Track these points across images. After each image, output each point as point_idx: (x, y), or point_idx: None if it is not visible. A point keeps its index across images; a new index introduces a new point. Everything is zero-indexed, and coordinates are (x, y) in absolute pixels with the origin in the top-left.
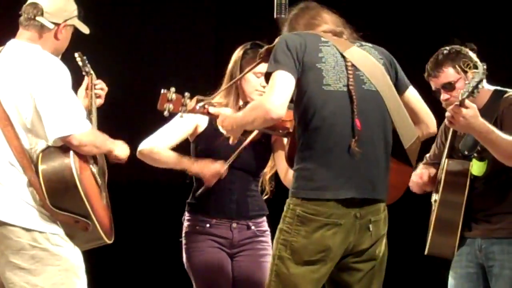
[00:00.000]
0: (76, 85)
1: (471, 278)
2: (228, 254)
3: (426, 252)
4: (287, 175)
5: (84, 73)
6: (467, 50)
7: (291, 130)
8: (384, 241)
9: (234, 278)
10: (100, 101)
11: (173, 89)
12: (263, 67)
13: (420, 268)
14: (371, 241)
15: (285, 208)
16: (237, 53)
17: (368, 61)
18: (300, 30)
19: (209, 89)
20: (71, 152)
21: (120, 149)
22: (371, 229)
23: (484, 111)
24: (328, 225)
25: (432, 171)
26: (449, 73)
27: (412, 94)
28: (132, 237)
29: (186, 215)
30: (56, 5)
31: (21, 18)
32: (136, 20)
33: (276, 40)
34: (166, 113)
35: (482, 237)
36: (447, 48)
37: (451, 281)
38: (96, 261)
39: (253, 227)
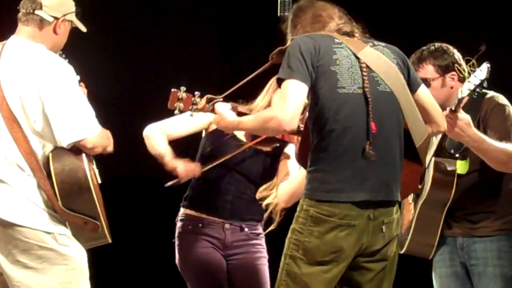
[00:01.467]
0: None
1: (457, 277)
2: (222, 255)
3: (403, 251)
4: (280, 188)
5: None
6: (454, 51)
7: (301, 128)
8: (396, 242)
9: (230, 280)
10: None
11: (183, 88)
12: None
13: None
14: (383, 242)
15: (298, 209)
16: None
17: (382, 61)
18: (305, 28)
19: (213, 88)
20: (84, 154)
21: (111, 141)
22: (384, 230)
23: (465, 111)
24: (341, 226)
25: None
26: (428, 70)
27: (424, 92)
28: (129, 236)
29: (180, 215)
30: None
31: (20, 14)
32: (140, 21)
33: (289, 43)
34: (176, 112)
35: (463, 236)
36: (435, 45)
37: (437, 280)
38: (94, 260)
39: (246, 229)
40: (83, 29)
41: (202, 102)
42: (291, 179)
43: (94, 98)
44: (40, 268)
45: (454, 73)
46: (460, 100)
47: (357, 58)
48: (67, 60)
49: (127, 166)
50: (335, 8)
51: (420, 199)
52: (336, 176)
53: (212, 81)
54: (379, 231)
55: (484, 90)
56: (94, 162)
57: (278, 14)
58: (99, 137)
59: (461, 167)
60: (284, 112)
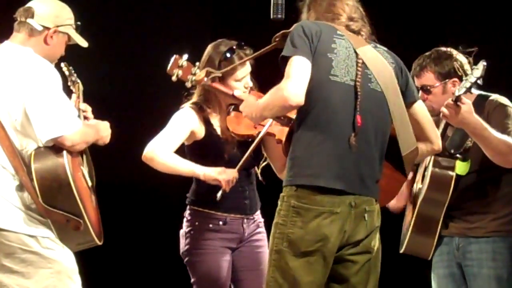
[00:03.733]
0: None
1: (454, 278)
2: (233, 249)
3: (402, 251)
4: (283, 171)
5: (70, 82)
6: (457, 56)
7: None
8: (378, 235)
9: (237, 269)
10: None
11: (185, 56)
12: (242, 73)
13: (399, 267)
14: (366, 232)
15: (279, 202)
16: (214, 53)
17: (379, 62)
18: (317, 14)
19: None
20: (65, 152)
21: (103, 131)
22: (366, 218)
23: None
24: (324, 214)
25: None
26: (429, 77)
27: (420, 108)
28: (125, 239)
29: (193, 212)
30: (49, 10)
31: (15, 23)
32: (132, 20)
33: (294, 26)
34: (174, 78)
35: (459, 235)
36: (438, 50)
37: (435, 281)
38: (90, 263)
39: (256, 220)
40: (84, 44)
41: (201, 74)
42: None
43: (88, 96)
44: (24, 272)
45: (455, 79)
46: (458, 97)
47: (356, 52)
48: (73, 71)
49: (122, 168)
50: (352, 1)
51: (418, 198)
52: (317, 161)
53: None
54: (361, 219)
55: (487, 93)
56: (84, 164)
57: (271, 17)
58: (79, 134)
59: (461, 168)
60: (289, 87)
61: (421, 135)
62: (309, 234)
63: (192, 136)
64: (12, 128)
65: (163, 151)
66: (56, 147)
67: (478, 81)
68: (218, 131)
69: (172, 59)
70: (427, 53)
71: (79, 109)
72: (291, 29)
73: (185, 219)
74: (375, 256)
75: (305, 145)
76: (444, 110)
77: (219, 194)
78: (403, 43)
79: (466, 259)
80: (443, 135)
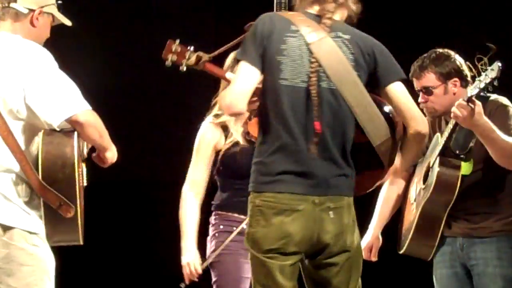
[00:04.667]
0: None
1: (457, 278)
2: None
3: (402, 251)
4: None
5: None
6: (455, 57)
7: None
8: (356, 233)
9: None
10: None
11: (178, 41)
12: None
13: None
14: (335, 229)
15: (248, 204)
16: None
17: (334, 55)
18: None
19: (210, 88)
20: (75, 133)
21: (113, 153)
22: (332, 215)
23: None
24: (286, 211)
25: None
26: (430, 78)
27: (396, 89)
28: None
29: (218, 216)
30: None
31: None
32: (132, 20)
33: (257, 19)
34: (168, 63)
35: (463, 236)
36: (436, 52)
37: (438, 282)
38: (90, 263)
39: None
40: (68, 23)
41: (193, 59)
42: None
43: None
44: (7, 268)
45: (456, 79)
46: (470, 98)
47: (309, 50)
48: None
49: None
50: None
51: (422, 198)
52: (273, 168)
53: (208, 85)
54: (326, 217)
55: (487, 94)
56: (83, 164)
57: None
58: (91, 114)
59: (465, 168)
60: (230, 95)
61: (402, 117)
62: (272, 232)
63: (215, 148)
64: (11, 117)
65: (190, 200)
66: (66, 130)
67: (494, 83)
68: (238, 137)
69: (166, 45)
70: (425, 55)
71: None
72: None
73: (210, 224)
74: (354, 254)
75: (263, 151)
76: (455, 110)
77: (182, 286)
78: (402, 42)
79: (471, 258)
80: (451, 136)
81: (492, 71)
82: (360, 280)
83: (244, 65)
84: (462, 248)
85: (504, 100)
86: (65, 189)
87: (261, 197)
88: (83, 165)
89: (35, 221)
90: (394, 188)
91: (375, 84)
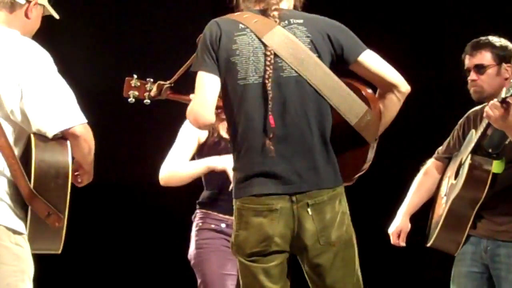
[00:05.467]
0: None
1: (475, 277)
2: None
3: (429, 244)
4: None
5: None
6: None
7: None
8: (345, 225)
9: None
10: None
11: (135, 76)
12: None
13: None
14: (315, 226)
15: None
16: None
17: (289, 43)
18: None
19: None
20: (68, 143)
21: (91, 174)
22: (310, 212)
23: None
24: (264, 212)
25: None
26: (485, 56)
27: (367, 59)
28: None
29: (199, 214)
30: None
31: None
32: (132, 20)
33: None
34: (131, 100)
35: (487, 238)
36: (494, 36)
37: (454, 279)
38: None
39: None
40: (56, 15)
41: (154, 90)
42: None
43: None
44: None
45: (510, 64)
46: (504, 99)
47: (263, 43)
48: None
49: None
50: None
51: (452, 194)
52: (245, 173)
53: None
54: (305, 214)
55: None
56: None
57: None
58: (86, 129)
59: (497, 167)
60: (195, 109)
61: (382, 84)
62: (252, 235)
63: (198, 141)
64: (3, 117)
65: (173, 167)
66: (59, 138)
67: None
68: (222, 133)
69: (124, 82)
70: (482, 37)
71: None
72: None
73: (193, 222)
74: (344, 247)
75: (235, 157)
76: (488, 111)
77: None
78: (402, 39)
79: (495, 262)
80: (484, 134)
81: None
82: (358, 272)
83: (201, 75)
84: (486, 251)
85: None
86: (56, 199)
87: (240, 201)
88: None
89: (21, 221)
90: (428, 177)
91: (344, 62)
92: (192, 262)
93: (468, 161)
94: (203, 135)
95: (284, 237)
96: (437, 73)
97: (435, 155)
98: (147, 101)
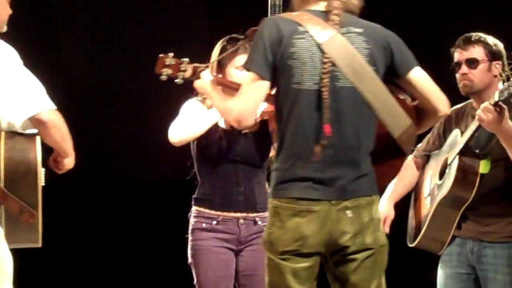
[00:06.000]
0: None
1: (461, 279)
2: (234, 250)
3: (414, 244)
4: None
5: None
6: (500, 48)
7: None
8: (379, 230)
9: (239, 272)
10: None
11: (171, 54)
12: (243, 60)
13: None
14: (353, 228)
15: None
16: (216, 49)
17: (348, 53)
18: (296, 5)
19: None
20: (38, 138)
21: (71, 159)
22: (349, 215)
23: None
24: (302, 212)
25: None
26: (478, 51)
27: (417, 75)
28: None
29: (193, 212)
30: None
31: None
32: (129, 21)
33: (260, 24)
34: (163, 77)
35: (473, 239)
36: (487, 36)
37: (440, 280)
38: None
39: (259, 222)
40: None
41: (189, 71)
42: None
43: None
44: None
45: (500, 62)
46: (496, 102)
47: (321, 49)
48: None
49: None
50: None
51: (438, 195)
52: (291, 176)
53: None
54: (344, 216)
55: None
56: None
57: (269, 17)
58: (55, 114)
59: (483, 167)
60: (237, 110)
61: (425, 101)
62: (287, 233)
63: None
64: None
65: (181, 124)
66: (28, 134)
67: None
68: (221, 123)
69: (158, 59)
70: (472, 33)
71: None
72: (259, 26)
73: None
74: (377, 252)
75: (281, 158)
76: (481, 114)
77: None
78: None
79: (481, 263)
80: (473, 135)
81: None
82: (383, 279)
83: (253, 77)
84: (472, 252)
85: None
86: (27, 196)
87: (278, 200)
88: (42, 169)
89: None
90: (408, 170)
91: (393, 75)
92: (189, 262)
93: (456, 163)
94: None
95: (318, 239)
96: (436, 74)
97: (415, 152)
98: (179, 80)
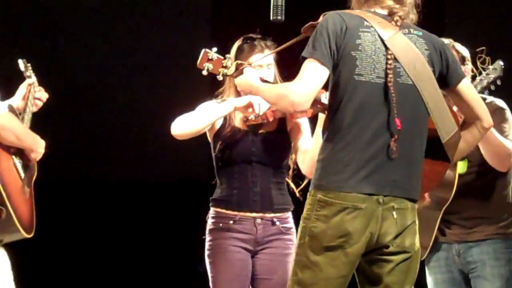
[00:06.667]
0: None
1: (454, 282)
2: (251, 251)
3: None
4: (305, 163)
5: (26, 78)
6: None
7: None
8: (417, 235)
9: (255, 275)
10: (34, 109)
11: (214, 49)
12: (260, 59)
13: None
14: (396, 230)
15: (307, 196)
16: (233, 50)
17: (410, 51)
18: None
19: (205, 94)
20: None
21: (36, 153)
22: (395, 216)
23: None
24: (348, 209)
25: None
26: None
27: (465, 87)
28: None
29: (211, 213)
30: None
31: None
32: (131, 24)
33: (321, 18)
34: (204, 72)
35: (458, 242)
36: (446, 39)
37: (433, 286)
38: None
39: (278, 223)
40: None
41: (232, 68)
42: (308, 149)
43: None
44: None
45: (465, 68)
46: None
47: (384, 45)
48: (30, 67)
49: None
50: None
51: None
52: (342, 166)
53: (203, 83)
54: (389, 216)
55: (483, 96)
56: (23, 159)
57: (271, 18)
58: (3, 117)
59: (460, 167)
60: (297, 93)
61: (469, 113)
62: (331, 228)
63: (212, 128)
64: None
65: (186, 116)
66: None
67: (497, 82)
68: (235, 122)
69: (201, 53)
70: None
71: (22, 110)
72: (318, 20)
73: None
74: (413, 256)
75: (331, 148)
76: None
77: (251, 116)
78: None
79: (469, 263)
80: None
81: (494, 70)
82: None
83: (312, 64)
84: (459, 254)
85: (501, 103)
86: None
87: (324, 193)
88: (15, 158)
89: None
90: None
91: (444, 83)
92: (206, 262)
93: None
94: (218, 121)
95: (361, 236)
96: None
97: None
98: (220, 76)
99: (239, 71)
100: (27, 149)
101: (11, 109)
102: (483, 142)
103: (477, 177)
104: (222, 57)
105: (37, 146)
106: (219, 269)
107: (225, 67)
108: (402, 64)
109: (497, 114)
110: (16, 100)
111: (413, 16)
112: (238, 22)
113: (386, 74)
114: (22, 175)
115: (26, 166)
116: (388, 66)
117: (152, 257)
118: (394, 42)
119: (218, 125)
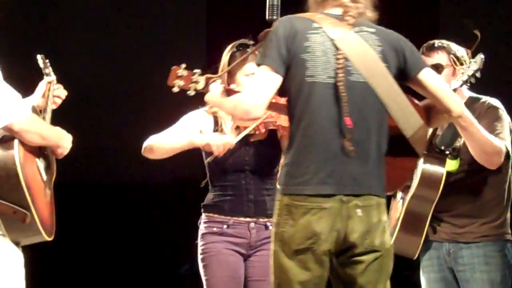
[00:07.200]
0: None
1: (446, 282)
2: (243, 255)
3: None
4: None
5: (45, 75)
6: (463, 53)
7: None
8: (386, 233)
9: (248, 278)
10: (54, 106)
11: (183, 65)
12: (253, 67)
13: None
14: (362, 227)
15: (275, 203)
16: (225, 56)
17: (361, 49)
18: (311, 9)
19: (202, 95)
20: (16, 142)
21: (63, 147)
22: (359, 213)
23: None
24: (313, 209)
25: None
26: (442, 57)
27: (427, 76)
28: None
29: (203, 218)
30: None
31: None
32: (127, 24)
33: (273, 24)
34: (175, 89)
35: (449, 241)
36: (449, 42)
37: (427, 285)
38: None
39: (271, 227)
40: None
41: (202, 82)
42: None
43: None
44: None
45: (462, 68)
46: (454, 90)
47: (334, 45)
48: (48, 64)
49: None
50: None
51: (407, 194)
52: (303, 169)
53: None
54: (354, 214)
55: (478, 95)
56: (45, 159)
57: (267, 18)
58: (28, 121)
59: (452, 165)
60: (248, 100)
61: (438, 104)
62: (299, 231)
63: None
64: None
65: (158, 137)
66: (7, 138)
67: (477, 74)
68: (226, 131)
69: (171, 71)
70: (435, 40)
71: (43, 109)
72: (272, 26)
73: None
74: (384, 255)
75: (292, 152)
76: None
77: (209, 158)
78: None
79: (458, 264)
80: (434, 131)
81: (474, 63)
82: (388, 283)
83: (263, 71)
84: (449, 254)
85: (495, 102)
86: (15, 198)
87: (290, 197)
88: (38, 161)
89: None
90: None
91: (404, 77)
92: (199, 266)
93: (421, 161)
94: (206, 127)
95: (330, 236)
96: None
97: None
98: (191, 92)
99: (208, 85)
100: (53, 147)
101: (34, 110)
102: (469, 139)
103: (467, 175)
104: (191, 72)
105: (63, 142)
106: (213, 272)
107: (196, 82)
108: (353, 62)
109: (489, 113)
110: (36, 98)
111: (369, 14)
112: (234, 23)
113: (336, 74)
114: (44, 177)
115: (47, 167)
116: (338, 66)
117: (152, 256)
118: (344, 41)
119: (207, 130)
